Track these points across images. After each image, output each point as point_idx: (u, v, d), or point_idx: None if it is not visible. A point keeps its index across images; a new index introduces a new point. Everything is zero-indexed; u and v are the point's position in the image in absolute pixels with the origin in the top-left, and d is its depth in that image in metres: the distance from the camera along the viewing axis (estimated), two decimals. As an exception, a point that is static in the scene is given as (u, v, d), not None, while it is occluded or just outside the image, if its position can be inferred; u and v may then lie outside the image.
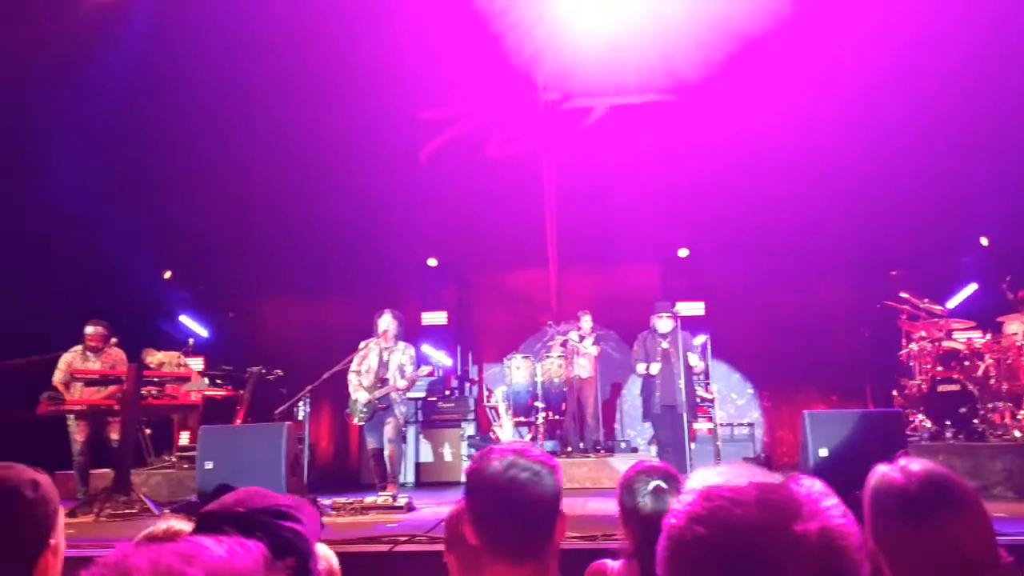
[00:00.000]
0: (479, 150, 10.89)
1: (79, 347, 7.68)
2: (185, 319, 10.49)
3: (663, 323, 7.86)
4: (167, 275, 10.57)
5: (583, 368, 9.25)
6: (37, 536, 1.62)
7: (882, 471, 1.88)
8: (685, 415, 7.52)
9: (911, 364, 8.34)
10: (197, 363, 9.11)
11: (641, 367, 7.89)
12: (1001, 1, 7.88)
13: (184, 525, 2.01)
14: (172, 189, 9.73)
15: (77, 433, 7.49)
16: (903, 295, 8.66)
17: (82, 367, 7.56)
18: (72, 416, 7.44)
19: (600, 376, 9.46)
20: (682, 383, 7.59)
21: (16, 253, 8.31)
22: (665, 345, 7.81)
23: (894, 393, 8.44)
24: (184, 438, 8.62)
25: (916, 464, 1.83)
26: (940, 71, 8.49)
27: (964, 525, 1.77)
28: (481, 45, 8.97)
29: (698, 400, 8.62)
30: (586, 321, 9.39)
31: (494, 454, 1.73)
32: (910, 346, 8.39)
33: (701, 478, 0.99)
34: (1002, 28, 7.90)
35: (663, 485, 2.39)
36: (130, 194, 9.42)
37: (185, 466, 8.18)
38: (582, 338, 9.32)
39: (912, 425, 7.81)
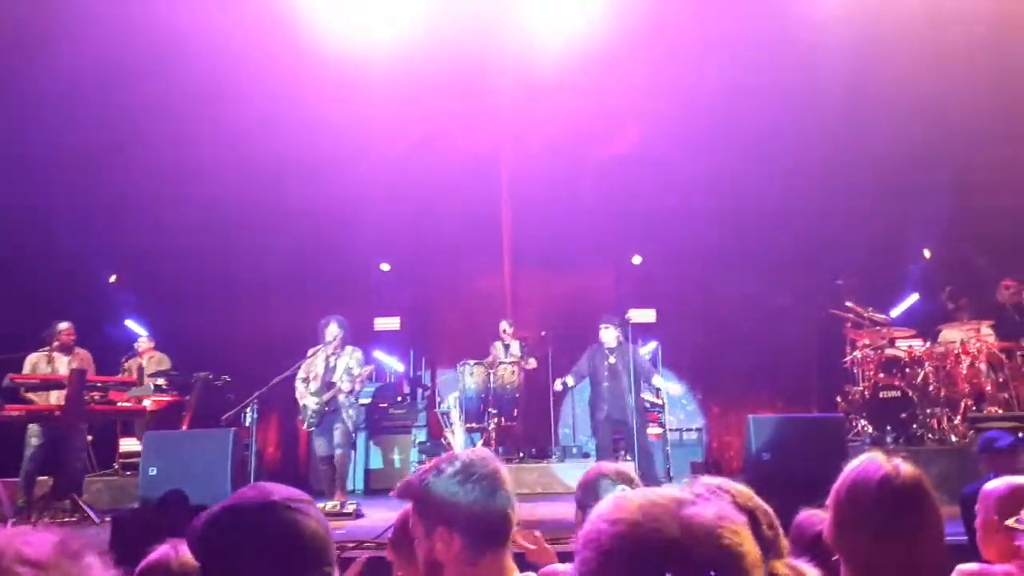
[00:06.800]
0: (436, 154, 10.86)
1: (46, 349, 7.52)
2: (131, 323, 10.24)
3: (608, 335, 7.94)
4: (112, 279, 10.33)
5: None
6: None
7: (871, 464, 1.90)
8: (635, 427, 7.63)
9: (855, 371, 8.54)
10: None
11: (558, 383, 7.97)
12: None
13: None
14: (122, 192, 9.51)
15: (34, 437, 7.28)
16: (848, 304, 8.87)
17: (47, 369, 7.40)
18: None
19: (554, 380, 9.51)
20: (632, 399, 7.68)
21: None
22: (612, 360, 7.88)
23: (838, 399, 8.64)
24: (125, 445, 8.43)
25: (907, 466, 1.87)
26: (885, 90, 8.74)
27: (931, 533, 1.82)
28: (440, 48, 8.93)
29: (647, 405, 8.72)
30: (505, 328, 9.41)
31: (458, 458, 1.85)
32: (854, 353, 8.59)
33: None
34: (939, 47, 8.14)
35: (627, 489, 2.40)
36: (80, 197, 9.21)
37: (128, 473, 7.99)
38: (507, 346, 9.35)
39: (855, 430, 8.00)
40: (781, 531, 1.70)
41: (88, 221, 9.37)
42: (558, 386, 8.00)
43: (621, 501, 0.99)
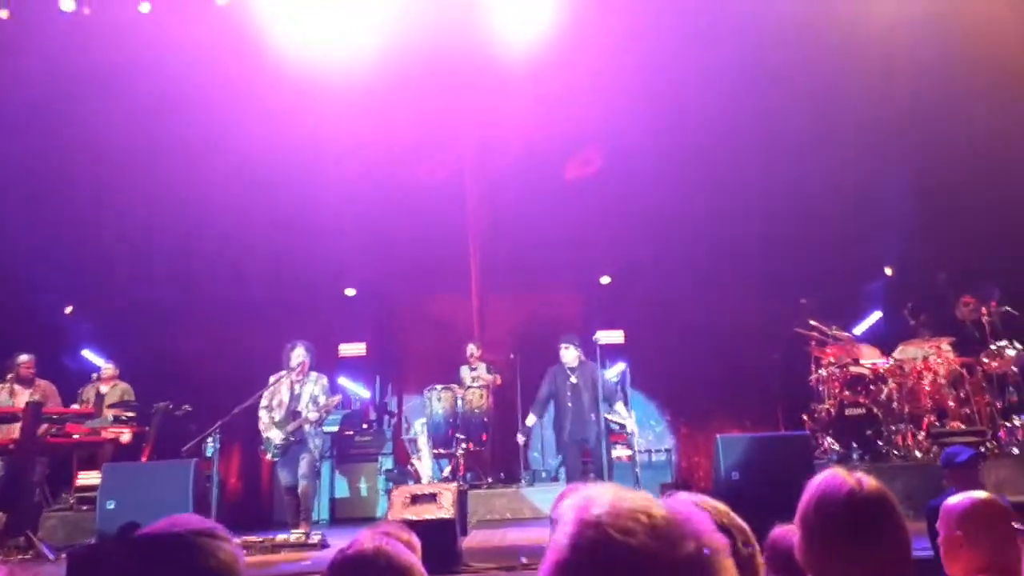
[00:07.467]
0: (401, 176, 10.81)
1: (5, 381, 7.49)
2: (88, 353, 10.01)
3: (568, 354, 7.91)
4: (68, 310, 10.12)
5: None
6: None
7: (835, 479, 1.90)
8: (604, 445, 7.57)
9: (820, 388, 8.60)
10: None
11: (531, 419, 7.98)
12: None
13: None
14: (77, 219, 9.33)
15: None
16: (812, 322, 8.95)
17: (9, 401, 7.25)
18: None
19: (523, 403, 9.45)
20: (594, 417, 7.65)
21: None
22: (574, 379, 7.85)
23: (804, 417, 8.69)
24: (82, 479, 8.18)
25: (869, 479, 1.88)
26: (847, 110, 8.91)
27: (899, 544, 1.82)
28: (404, 66, 8.91)
29: (616, 427, 8.68)
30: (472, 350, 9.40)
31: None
32: (819, 371, 8.66)
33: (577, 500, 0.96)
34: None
35: None
36: (34, 226, 9.02)
37: (84, 508, 7.74)
38: (473, 369, 9.31)
39: (822, 448, 8.04)
40: (757, 549, 1.69)
41: (43, 251, 9.17)
42: (531, 421, 8.01)
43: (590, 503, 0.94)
